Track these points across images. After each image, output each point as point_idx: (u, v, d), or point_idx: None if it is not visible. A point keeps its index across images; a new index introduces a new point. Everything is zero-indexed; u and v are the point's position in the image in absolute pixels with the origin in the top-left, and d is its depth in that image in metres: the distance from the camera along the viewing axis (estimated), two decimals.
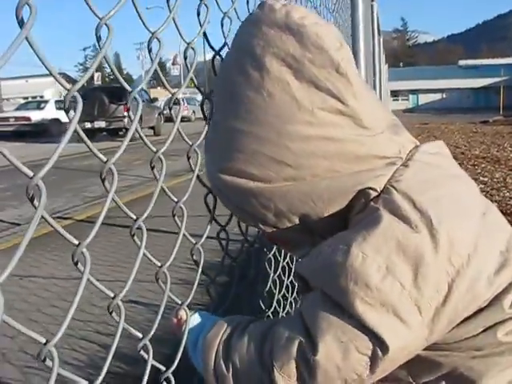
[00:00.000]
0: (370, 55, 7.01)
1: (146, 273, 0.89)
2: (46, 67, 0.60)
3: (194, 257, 1.03)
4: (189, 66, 1.02)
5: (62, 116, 22.89)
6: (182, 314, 1.00)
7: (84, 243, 0.65)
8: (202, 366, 0.92)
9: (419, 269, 0.77)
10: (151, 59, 0.86)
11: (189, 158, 1.03)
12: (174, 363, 0.96)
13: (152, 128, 21.55)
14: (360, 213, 0.85)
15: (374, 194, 0.84)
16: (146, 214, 0.83)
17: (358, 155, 0.84)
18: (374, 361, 0.77)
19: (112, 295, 0.77)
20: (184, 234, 1.00)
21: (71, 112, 0.62)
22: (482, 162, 10.56)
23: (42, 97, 38.21)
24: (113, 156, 0.72)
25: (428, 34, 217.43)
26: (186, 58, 1.03)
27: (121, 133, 20.09)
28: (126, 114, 18.87)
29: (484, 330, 0.83)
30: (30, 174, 0.55)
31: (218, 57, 1.09)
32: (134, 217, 0.83)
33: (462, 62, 67.44)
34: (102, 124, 19.88)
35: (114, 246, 5.11)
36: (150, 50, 0.86)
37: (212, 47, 1.09)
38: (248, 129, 0.84)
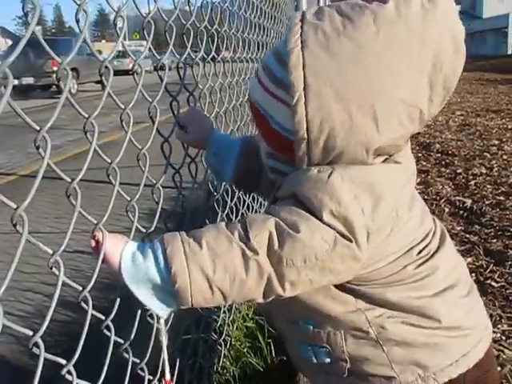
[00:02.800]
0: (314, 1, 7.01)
1: (91, 224, 0.94)
2: None
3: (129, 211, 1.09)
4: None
5: None
6: (99, 234, 0.98)
7: (22, 206, 0.70)
8: (167, 258, 0.93)
9: (377, 206, 0.98)
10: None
11: (122, 120, 1.07)
12: (113, 311, 1.02)
13: (99, 82, 19.02)
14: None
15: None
16: (80, 176, 0.88)
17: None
18: (333, 249, 0.94)
19: (51, 252, 0.82)
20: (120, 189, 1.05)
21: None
22: None
23: None
24: (45, 125, 0.76)
25: None
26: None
27: (52, 89, 18.49)
28: (54, 69, 16.62)
29: (401, 269, 1.08)
30: None
31: None
32: (69, 179, 0.87)
33: None
34: (29, 80, 18.16)
35: (59, 199, 5.07)
36: None
37: None
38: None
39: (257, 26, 2.67)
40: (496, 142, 6.81)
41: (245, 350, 2.17)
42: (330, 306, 1.09)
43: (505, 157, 5.95)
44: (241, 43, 2.23)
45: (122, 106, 1.02)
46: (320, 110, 0.95)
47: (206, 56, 1.71)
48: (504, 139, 6.97)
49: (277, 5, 3.43)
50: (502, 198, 4.42)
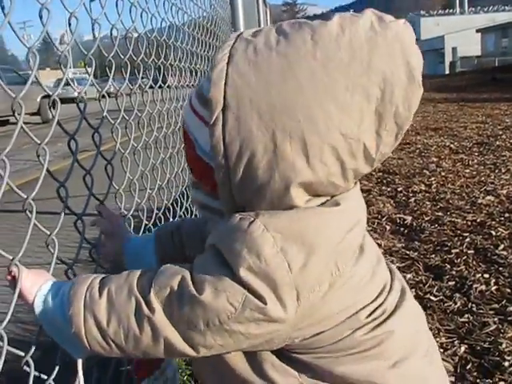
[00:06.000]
0: (254, 23, 7.12)
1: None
2: None
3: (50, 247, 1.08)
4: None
5: None
6: (15, 270, 0.95)
7: None
8: (69, 300, 0.90)
9: (309, 260, 0.86)
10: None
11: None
12: (32, 346, 1.00)
13: (36, 114, 17.58)
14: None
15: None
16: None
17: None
18: (240, 314, 0.84)
19: None
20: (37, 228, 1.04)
21: None
22: None
23: None
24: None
25: (316, 5, 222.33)
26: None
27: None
28: None
29: (348, 335, 0.95)
30: None
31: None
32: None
33: None
34: None
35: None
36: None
37: None
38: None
39: (194, 55, 2.72)
40: (435, 160, 7.01)
41: (185, 378, 2.15)
42: (270, 377, 0.97)
43: (443, 173, 6.13)
44: (178, 72, 2.27)
45: (38, 141, 1.02)
46: (239, 134, 0.85)
47: (143, 86, 1.75)
48: (442, 156, 7.19)
49: (212, 33, 3.49)
50: (440, 213, 4.54)
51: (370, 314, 0.96)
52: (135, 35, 1.67)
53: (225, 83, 0.85)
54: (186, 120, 1.00)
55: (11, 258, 0.94)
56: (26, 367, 0.99)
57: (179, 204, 2.33)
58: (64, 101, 1.07)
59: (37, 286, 0.95)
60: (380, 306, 0.98)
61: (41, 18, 1.05)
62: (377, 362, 0.96)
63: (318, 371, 0.96)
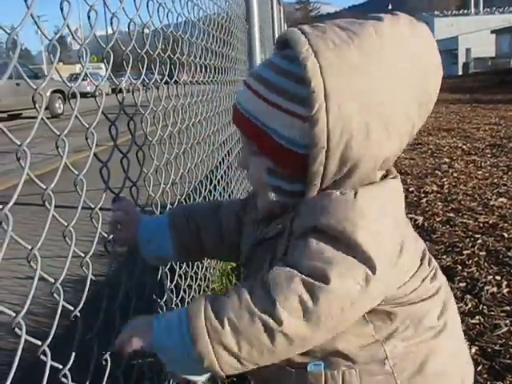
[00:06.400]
0: (268, 21, 7.13)
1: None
2: None
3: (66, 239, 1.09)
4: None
5: None
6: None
7: None
8: (191, 338, 0.94)
9: (396, 222, 1.02)
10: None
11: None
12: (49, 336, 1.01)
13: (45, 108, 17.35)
14: None
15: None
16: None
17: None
18: (366, 288, 0.93)
19: None
20: (54, 220, 1.05)
21: None
22: None
23: None
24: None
25: (330, 4, 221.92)
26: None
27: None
28: None
29: (420, 283, 1.08)
30: None
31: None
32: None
33: None
34: None
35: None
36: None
37: None
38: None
39: (209, 51, 2.72)
40: (447, 160, 6.99)
41: None
42: (349, 339, 1.05)
43: (455, 174, 6.11)
44: (193, 67, 2.28)
45: (58, 133, 1.03)
46: (340, 119, 0.94)
47: (159, 80, 1.76)
48: (454, 157, 7.16)
49: (227, 29, 3.48)
50: (451, 214, 4.53)
51: (429, 265, 1.12)
52: (147, 30, 1.67)
53: (321, 74, 0.93)
54: (253, 113, 1.03)
55: (30, 247, 0.95)
56: (42, 356, 0.99)
57: (192, 199, 2.34)
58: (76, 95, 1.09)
59: (148, 334, 1.00)
60: (430, 261, 1.14)
61: (62, 10, 1.06)
62: (433, 303, 1.11)
63: (399, 318, 1.07)
